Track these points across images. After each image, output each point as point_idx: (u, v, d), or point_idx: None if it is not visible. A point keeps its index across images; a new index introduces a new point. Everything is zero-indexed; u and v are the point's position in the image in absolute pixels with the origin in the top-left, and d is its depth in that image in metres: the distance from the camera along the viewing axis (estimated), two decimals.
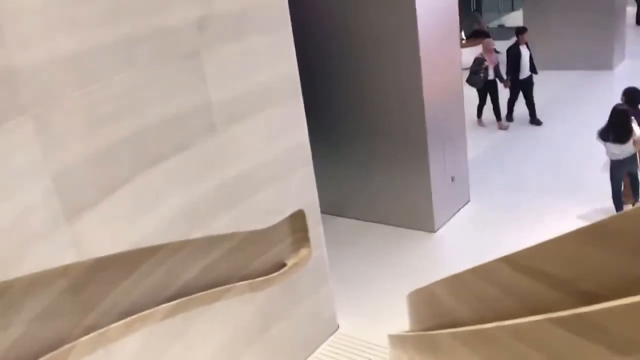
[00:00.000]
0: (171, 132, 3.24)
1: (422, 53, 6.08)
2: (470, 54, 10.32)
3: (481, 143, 9.40)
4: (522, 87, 9.84)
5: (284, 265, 4.45)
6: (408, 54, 6.08)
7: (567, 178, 8.07)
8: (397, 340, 2.76)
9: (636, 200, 6.68)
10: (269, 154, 4.08)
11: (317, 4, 6.45)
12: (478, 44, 11.14)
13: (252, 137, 3.91)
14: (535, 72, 9.85)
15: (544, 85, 10.66)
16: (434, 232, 6.93)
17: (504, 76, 9.90)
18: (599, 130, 6.49)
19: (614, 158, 6.41)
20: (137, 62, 2.99)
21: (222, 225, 3.73)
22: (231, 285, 3.87)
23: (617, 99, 11.01)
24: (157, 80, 3.12)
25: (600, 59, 11.98)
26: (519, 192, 7.72)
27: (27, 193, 2.43)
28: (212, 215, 3.64)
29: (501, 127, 9.99)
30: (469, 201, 7.56)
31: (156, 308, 3.19)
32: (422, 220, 6.86)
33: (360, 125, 6.80)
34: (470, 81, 9.68)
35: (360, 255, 6.58)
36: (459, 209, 7.38)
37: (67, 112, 2.55)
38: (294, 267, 4.50)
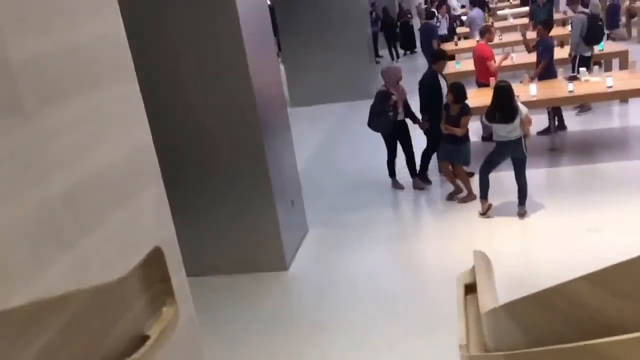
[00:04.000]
0: None
1: (250, 63, 5.18)
2: None
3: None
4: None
5: (145, 337, 2.87)
6: (237, 69, 5.22)
7: (378, 188, 7.73)
8: None
9: (521, 201, 6.23)
10: (106, 159, 2.57)
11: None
12: None
13: (80, 129, 2.39)
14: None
15: (322, 118, 11.49)
16: (287, 270, 5.75)
17: (417, 115, 7.41)
18: (484, 113, 6.13)
19: (501, 140, 6.02)
20: None
21: (54, 278, 2.13)
22: None
23: None
24: None
25: (364, 90, 12.84)
26: (348, 211, 7.02)
27: None
28: (37, 260, 2.03)
29: (417, 186, 7.49)
30: (308, 230, 6.56)
31: None
32: (273, 258, 5.69)
33: (189, 162, 5.47)
34: (374, 125, 7.23)
35: (213, 317, 5.11)
36: (302, 239, 6.34)
37: None
38: (161, 338, 2.94)
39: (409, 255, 5.73)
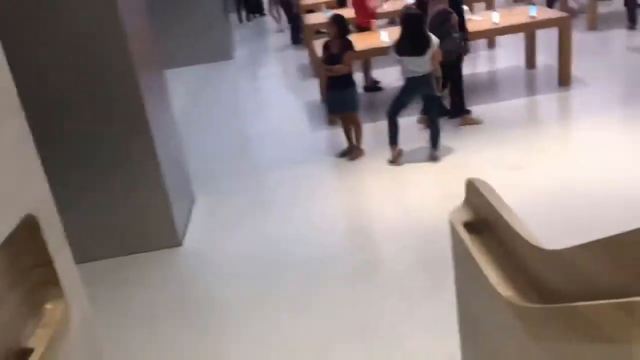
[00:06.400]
0: None
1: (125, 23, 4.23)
2: None
3: None
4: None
5: (26, 352, 1.89)
6: (111, 29, 4.25)
7: (261, 148, 6.97)
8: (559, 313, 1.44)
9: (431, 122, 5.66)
10: None
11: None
12: None
13: None
14: None
15: (181, 81, 10.62)
16: (181, 245, 4.80)
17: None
18: (392, 46, 5.41)
19: (411, 75, 5.37)
20: None
21: None
22: None
23: (242, 78, 11.19)
24: None
25: (222, 51, 12.75)
26: (234, 176, 6.15)
27: None
28: None
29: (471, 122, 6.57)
30: (195, 199, 5.62)
31: None
32: (164, 233, 4.75)
33: (64, 133, 4.35)
34: (450, 47, 5.97)
35: (103, 310, 4.02)
36: (191, 210, 5.40)
37: None
38: (50, 349, 1.96)
39: (315, 216, 4.99)
